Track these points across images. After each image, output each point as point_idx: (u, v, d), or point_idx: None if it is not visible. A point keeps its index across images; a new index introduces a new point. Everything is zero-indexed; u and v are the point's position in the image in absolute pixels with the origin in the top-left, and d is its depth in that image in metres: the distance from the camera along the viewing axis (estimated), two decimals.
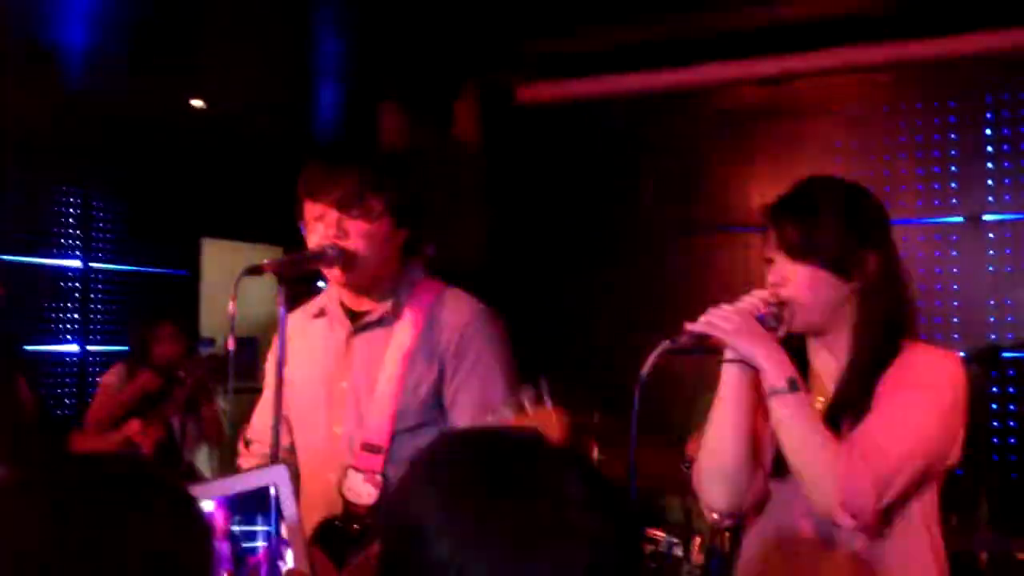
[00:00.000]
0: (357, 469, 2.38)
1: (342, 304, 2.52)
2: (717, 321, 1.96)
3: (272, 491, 1.94)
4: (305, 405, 2.52)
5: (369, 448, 2.39)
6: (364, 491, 2.36)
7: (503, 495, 1.15)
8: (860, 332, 2.01)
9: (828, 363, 2.07)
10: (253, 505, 1.93)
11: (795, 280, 2.01)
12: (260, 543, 1.96)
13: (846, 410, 1.98)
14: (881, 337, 2.00)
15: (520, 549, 1.12)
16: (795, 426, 1.93)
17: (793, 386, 1.94)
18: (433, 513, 1.15)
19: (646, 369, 1.89)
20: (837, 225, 2.00)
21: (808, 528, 2.00)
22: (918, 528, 1.99)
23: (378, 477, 2.36)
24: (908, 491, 1.94)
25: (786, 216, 2.03)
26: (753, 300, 2.00)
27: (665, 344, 1.94)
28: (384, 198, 2.42)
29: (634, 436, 1.90)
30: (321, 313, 2.56)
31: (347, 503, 2.37)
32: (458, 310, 2.47)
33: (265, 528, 1.95)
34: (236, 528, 1.95)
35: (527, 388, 2.07)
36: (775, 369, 1.94)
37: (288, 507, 1.94)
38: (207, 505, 1.84)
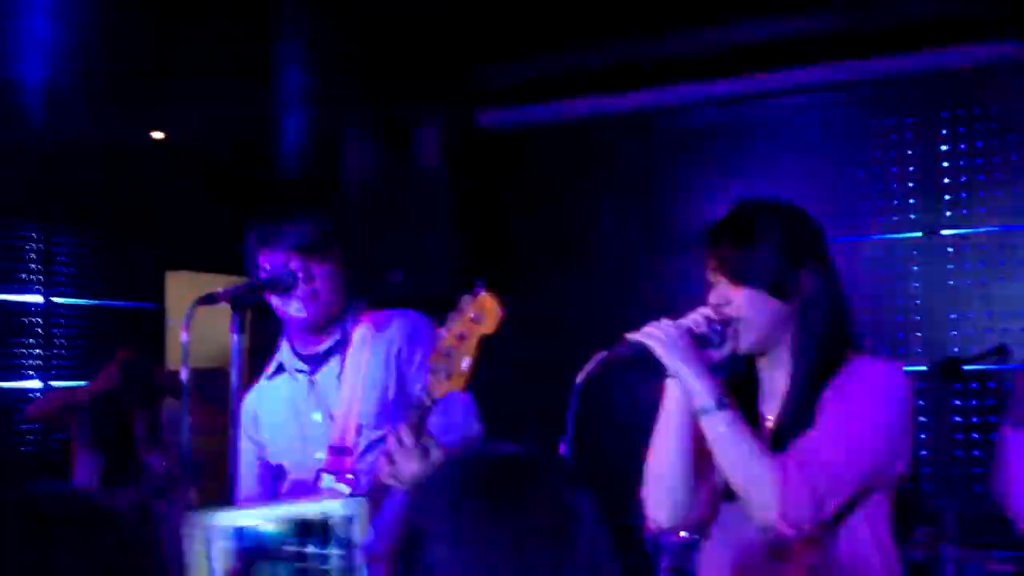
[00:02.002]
0: (329, 471, 2.56)
1: (295, 352, 2.72)
2: (653, 333, 1.97)
3: (347, 522, 1.97)
4: (287, 449, 2.72)
5: (337, 451, 2.57)
6: (336, 489, 2.52)
7: (504, 502, 1.20)
8: (801, 349, 2.05)
9: (775, 381, 2.09)
10: (320, 531, 1.97)
11: (736, 302, 2.03)
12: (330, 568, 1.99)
13: (790, 425, 2.00)
14: (822, 352, 2.03)
15: (519, 553, 1.16)
16: (727, 444, 1.96)
17: (721, 404, 1.96)
18: (436, 517, 1.20)
19: (582, 377, 1.92)
20: (774, 248, 2.03)
21: (761, 545, 2.01)
22: (867, 538, 2.01)
23: (348, 476, 2.53)
24: (852, 501, 1.96)
25: (723, 240, 2.07)
26: (696, 317, 2.02)
27: (604, 354, 1.96)
28: (340, 243, 2.61)
29: (570, 442, 1.91)
30: (279, 370, 2.76)
31: None
32: (402, 320, 2.70)
33: (336, 552, 1.98)
34: (306, 550, 1.98)
35: (463, 295, 2.15)
36: (702, 389, 1.97)
37: (359, 537, 1.97)
38: (270, 527, 1.89)
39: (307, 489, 2.61)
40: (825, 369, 2.02)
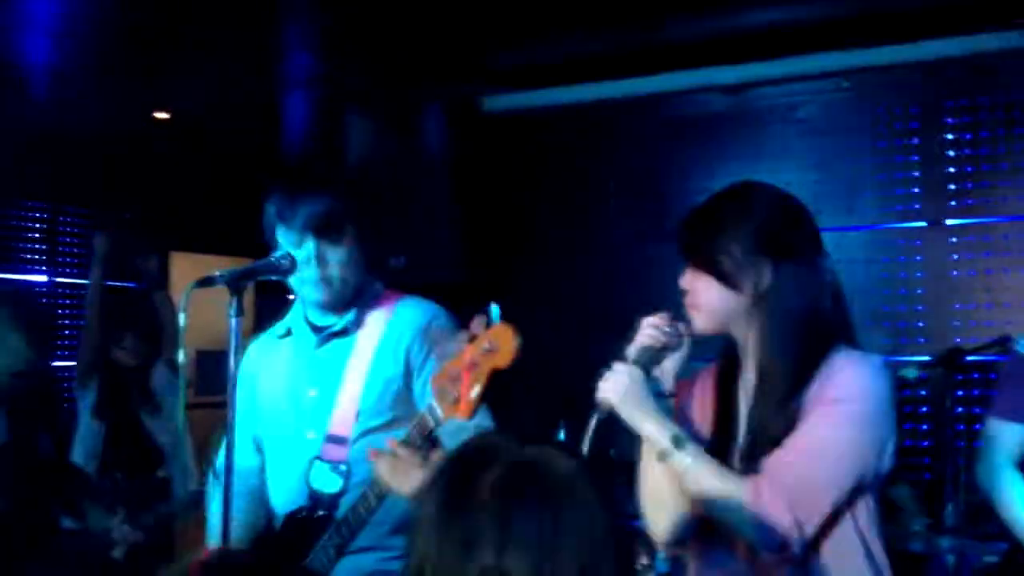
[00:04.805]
0: (323, 460, 2.52)
1: (307, 320, 2.66)
2: (608, 389, 1.99)
3: None
4: (277, 417, 2.67)
5: (334, 440, 2.53)
6: (329, 480, 2.50)
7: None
8: (763, 348, 1.99)
9: (751, 371, 2.06)
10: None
11: (692, 288, 2.02)
12: None
13: (763, 431, 1.95)
14: (790, 350, 1.96)
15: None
16: (695, 480, 1.93)
17: (678, 443, 1.94)
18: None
19: (586, 446, 1.94)
20: (732, 237, 1.97)
21: (745, 550, 1.98)
22: (853, 540, 1.96)
23: (342, 467, 2.49)
24: (836, 511, 1.91)
25: (686, 226, 2.05)
26: (648, 331, 2.04)
27: (596, 417, 1.99)
28: (356, 225, 2.56)
29: None
30: (288, 333, 2.71)
31: (312, 492, 2.51)
32: (416, 312, 2.63)
33: None
34: None
35: (476, 317, 2.12)
36: (657, 434, 1.97)
37: None
38: None
39: (291, 464, 2.58)
40: (798, 370, 1.94)
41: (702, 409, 2.12)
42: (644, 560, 3.66)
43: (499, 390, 2.85)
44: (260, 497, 2.71)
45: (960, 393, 4.77)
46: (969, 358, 4.35)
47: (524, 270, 5.87)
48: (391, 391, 2.54)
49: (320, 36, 5.29)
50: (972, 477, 3.05)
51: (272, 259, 2.44)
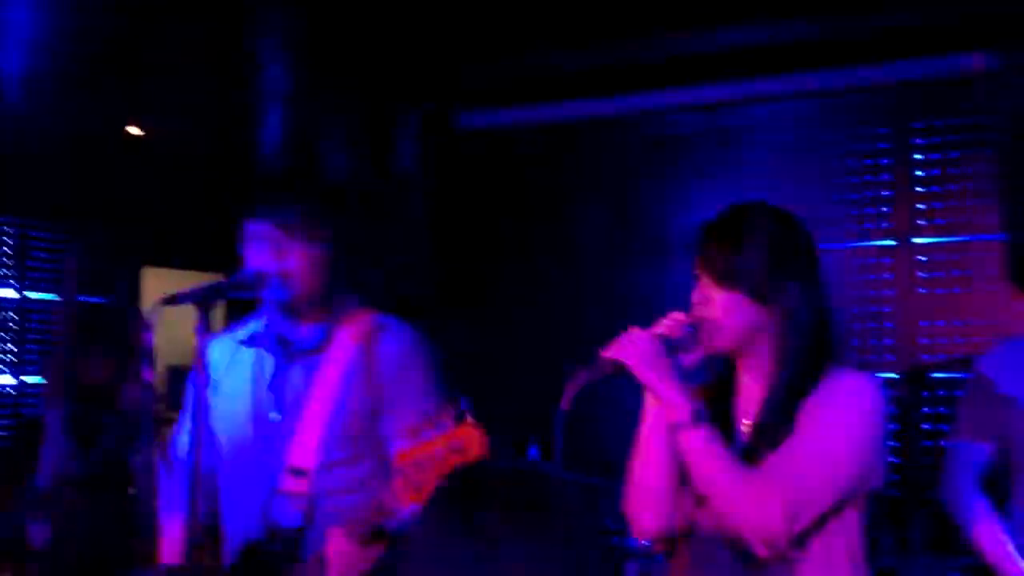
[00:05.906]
0: (283, 492, 2.41)
1: (275, 333, 2.54)
2: (627, 348, 1.96)
3: None
4: (235, 436, 2.54)
5: (295, 472, 2.41)
6: (289, 514, 2.39)
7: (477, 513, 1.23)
8: (781, 358, 2.03)
9: (753, 386, 2.08)
10: None
11: (715, 302, 2.02)
12: None
13: (766, 436, 1.99)
14: (802, 364, 2.01)
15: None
16: (702, 459, 1.94)
17: (697, 419, 1.94)
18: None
19: (566, 403, 1.91)
20: (761, 253, 2.01)
21: (731, 555, 2.00)
22: (839, 552, 2.00)
23: (303, 501, 2.38)
24: (825, 517, 1.95)
25: (713, 240, 2.05)
26: (668, 323, 2.01)
27: (583, 375, 1.95)
28: (324, 226, 2.48)
29: (559, 465, 1.91)
30: (251, 340, 2.58)
31: (270, 525, 2.40)
32: (394, 339, 2.52)
33: None
34: None
35: (448, 409, 2.10)
36: (677, 404, 1.96)
37: None
38: None
39: (247, 489, 2.50)
40: (804, 381, 2.00)
41: None
42: None
43: (475, 407, 2.82)
44: (213, 492, 2.60)
45: (927, 410, 4.81)
46: (935, 375, 4.39)
47: (497, 285, 5.87)
48: (357, 424, 2.44)
49: (295, 51, 5.29)
50: (938, 494, 3.08)
51: (240, 276, 2.41)
